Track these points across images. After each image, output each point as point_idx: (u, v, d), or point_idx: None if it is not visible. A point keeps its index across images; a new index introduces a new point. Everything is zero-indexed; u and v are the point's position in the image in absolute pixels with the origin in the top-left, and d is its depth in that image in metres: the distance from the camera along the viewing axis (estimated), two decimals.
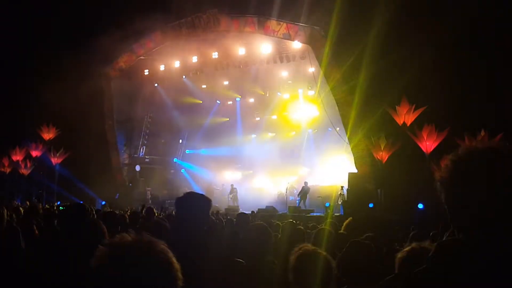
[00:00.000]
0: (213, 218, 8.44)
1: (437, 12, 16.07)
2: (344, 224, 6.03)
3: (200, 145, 29.40)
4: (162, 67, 26.03)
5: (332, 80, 19.52)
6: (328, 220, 9.18)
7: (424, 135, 16.24)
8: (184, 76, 25.89)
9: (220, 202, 22.50)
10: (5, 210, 4.62)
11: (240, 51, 22.93)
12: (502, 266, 1.33)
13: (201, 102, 28.20)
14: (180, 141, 31.50)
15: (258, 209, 18.88)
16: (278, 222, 7.79)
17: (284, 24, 20.73)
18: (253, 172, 28.28)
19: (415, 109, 16.62)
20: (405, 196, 16.07)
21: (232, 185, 25.06)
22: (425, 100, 16.41)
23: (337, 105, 19.73)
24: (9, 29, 23.49)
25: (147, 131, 29.98)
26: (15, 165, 24.48)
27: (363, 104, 17.84)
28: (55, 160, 24.37)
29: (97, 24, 23.05)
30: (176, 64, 25.38)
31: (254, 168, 27.97)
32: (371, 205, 17.15)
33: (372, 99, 17.24)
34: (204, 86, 27.04)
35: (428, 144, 16.20)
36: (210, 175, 28.60)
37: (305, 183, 22.17)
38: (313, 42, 20.09)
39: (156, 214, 7.97)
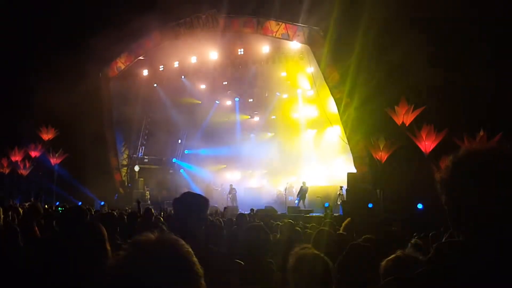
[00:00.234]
0: (211, 218, 8.44)
1: (436, 12, 16.06)
2: (343, 224, 6.03)
3: (199, 145, 29.39)
4: (161, 67, 26.05)
5: (331, 80, 19.55)
6: (327, 220, 9.18)
7: (423, 135, 16.24)
8: (183, 76, 25.89)
9: (219, 202, 22.50)
10: (1, 210, 4.61)
11: (239, 51, 22.93)
12: (501, 267, 1.33)
13: (200, 102, 28.18)
14: (179, 141, 31.49)
15: (257, 209, 18.85)
16: (277, 222, 7.79)
17: (283, 25, 20.74)
18: (252, 172, 28.29)
19: (414, 109, 16.63)
20: (404, 196, 16.08)
21: (231, 185, 25.07)
22: (424, 100, 16.42)
23: (336, 105, 19.74)
24: (8, 29, 23.46)
25: (146, 131, 30.00)
26: (14, 165, 24.47)
27: (362, 104, 17.86)
28: (54, 161, 24.36)
29: (96, 25, 23.04)
30: (175, 64, 25.39)
31: (253, 168, 27.98)
32: (370, 205, 17.16)
33: (371, 99, 17.24)
34: (203, 86, 27.03)
35: (427, 144, 16.20)
36: (209, 175, 28.62)
37: (303, 183, 22.18)
38: (312, 43, 20.10)
39: (154, 215, 7.96)
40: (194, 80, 26.28)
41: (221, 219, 9.02)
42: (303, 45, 20.75)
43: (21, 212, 7.56)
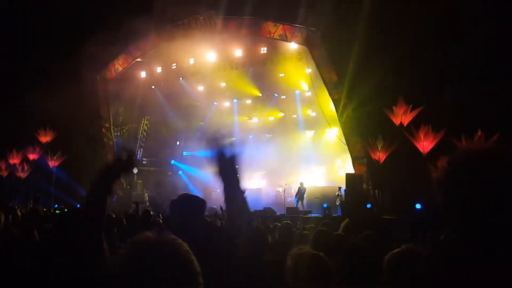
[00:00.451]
0: (209, 219, 8.43)
1: (435, 11, 16.07)
2: (342, 225, 6.03)
3: (198, 147, 29.34)
4: (159, 69, 26.03)
5: (329, 81, 19.58)
6: (325, 221, 9.18)
7: (421, 135, 16.24)
8: (181, 78, 25.87)
9: (218, 204, 22.43)
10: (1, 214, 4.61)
11: (237, 52, 22.93)
12: (498, 266, 1.33)
13: (198, 104, 28.17)
14: (178, 143, 31.46)
15: (255, 210, 18.85)
16: (275, 223, 7.80)
17: (281, 26, 20.77)
18: (251, 173, 28.25)
19: (412, 110, 16.64)
20: (403, 196, 16.08)
21: None
22: (422, 101, 16.42)
23: (334, 106, 19.77)
24: (8, 29, 23.45)
25: (144, 133, 29.96)
26: (12, 168, 24.43)
27: (360, 105, 17.88)
28: (52, 163, 24.33)
29: (94, 26, 23.01)
30: (173, 66, 25.38)
31: (252, 170, 27.94)
32: (369, 206, 17.17)
33: (369, 100, 17.26)
34: (201, 88, 27.02)
35: (425, 144, 16.20)
36: (207, 177, 28.56)
37: (301, 183, 22.23)
38: (309, 43, 20.12)
39: (153, 217, 7.96)
40: (192, 82, 26.27)
41: (219, 221, 9.02)
42: (301, 46, 20.78)
43: (19, 215, 7.55)
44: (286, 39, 20.91)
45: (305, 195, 21.88)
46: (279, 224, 7.13)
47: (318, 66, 19.87)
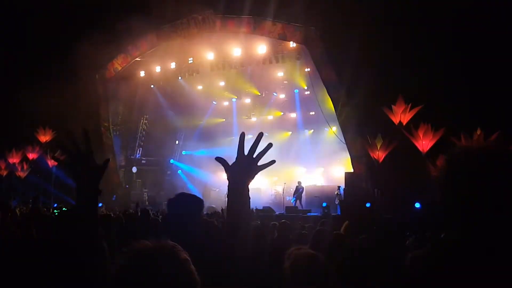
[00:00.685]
0: (207, 219, 8.42)
1: (434, 11, 16.08)
2: (342, 229, 6.03)
3: (197, 146, 29.36)
4: (157, 69, 26.02)
5: (328, 79, 19.57)
6: (323, 220, 9.20)
7: (420, 134, 16.24)
8: (180, 77, 25.87)
9: (217, 203, 22.45)
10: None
11: (236, 51, 22.93)
12: (497, 266, 1.33)
13: (197, 103, 28.18)
14: (177, 142, 31.47)
15: (255, 209, 18.86)
16: (274, 222, 7.80)
17: (280, 25, 20.76)
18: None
19: (411, 108, 16.64)
20: (402, 195, 16.08)
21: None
22: (421, 99, 16.42)
23: (333, 105, 19.77)
24: (8, 29, 23.41)
25: (143, 132, 29.96)
26: (11, 167, 24.42)
27: (359, 104, 17.87)
28: (51, 163, 24.32)
29: (92, 26, 22.97)
30: (172, 65, 25.38)
31: None
32: (368, 205, 17.16)
33: (368, 98, 17.24)
34: (200, 87, 27.02)
35: (424, 143, 16.20)
36: (207, 176, 28.56)
37: (299, 182, 22.28)
38: (308, 42, 20.12)
39: (152, 216, 7.96)
40: (191, 81, 26.27)
41: (215, 220, 9.01)
42: (300, 45, 20.77)
43: (19, 214, 7.55)
44: (285, 38, 20.90)
45: (303, 194, 21.90)
46: (278, 224, 7.13)
47: (317, 65, 19.88)
